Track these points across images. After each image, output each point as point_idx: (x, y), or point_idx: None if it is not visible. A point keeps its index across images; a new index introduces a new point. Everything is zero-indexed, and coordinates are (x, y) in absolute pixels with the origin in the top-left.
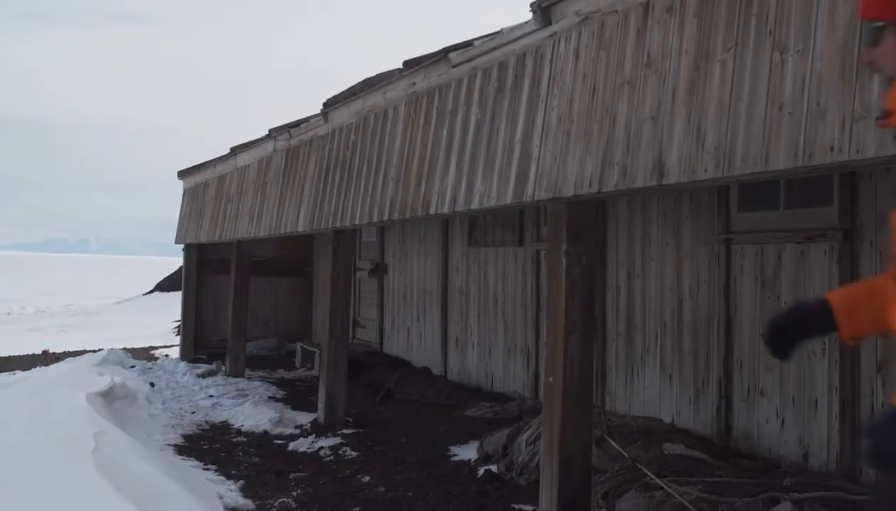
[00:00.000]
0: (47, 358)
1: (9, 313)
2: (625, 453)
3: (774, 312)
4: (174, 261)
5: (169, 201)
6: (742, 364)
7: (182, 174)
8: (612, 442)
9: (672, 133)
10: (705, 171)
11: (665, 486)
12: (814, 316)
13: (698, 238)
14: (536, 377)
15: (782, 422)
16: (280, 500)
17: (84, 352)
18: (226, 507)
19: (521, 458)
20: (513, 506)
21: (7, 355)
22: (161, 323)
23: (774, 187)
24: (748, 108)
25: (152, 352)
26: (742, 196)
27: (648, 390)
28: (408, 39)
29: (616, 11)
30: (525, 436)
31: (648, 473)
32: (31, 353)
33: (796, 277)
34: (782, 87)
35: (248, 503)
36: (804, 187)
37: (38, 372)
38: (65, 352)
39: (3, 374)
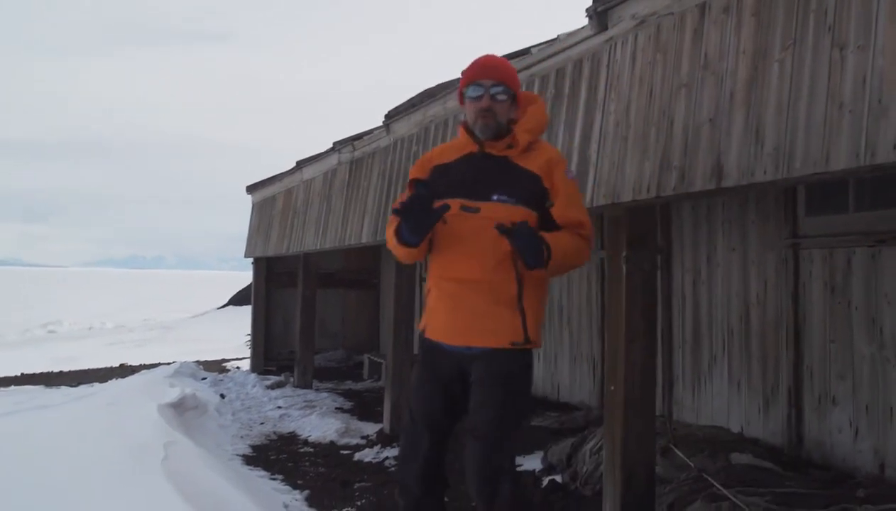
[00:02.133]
0: (124, 370)
1: (90, 328)
2: (691, 463)
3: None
4: (249, 275)
5: (242, 216)
6: (812, 371)
7: (250, 189)
8: (677, 451)
9: (730, 135)
10: (764, 172)
11: (732, 497)
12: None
13: (765, 243)
14: (602, 386)
15: (856, 431)
16: (344, 510)
17: (159, 365)
18: None
19: (585, 468)
20: None
21: (86, 368)
22: (234, 336)
23: (843, 189)
24: (807, 108)
25: (224, 364)
26: (809, 199)
27: (716, 399)
28: (471, 54)
29: (672, 13)
30: (589, 445)
31: (715, 484)
32: (109, 366)
33: (867, 282)
34: (842, 84)
35: None
36: (874, 189)
37: (114, 384)
38: (140, 365)
39: (81, 386)
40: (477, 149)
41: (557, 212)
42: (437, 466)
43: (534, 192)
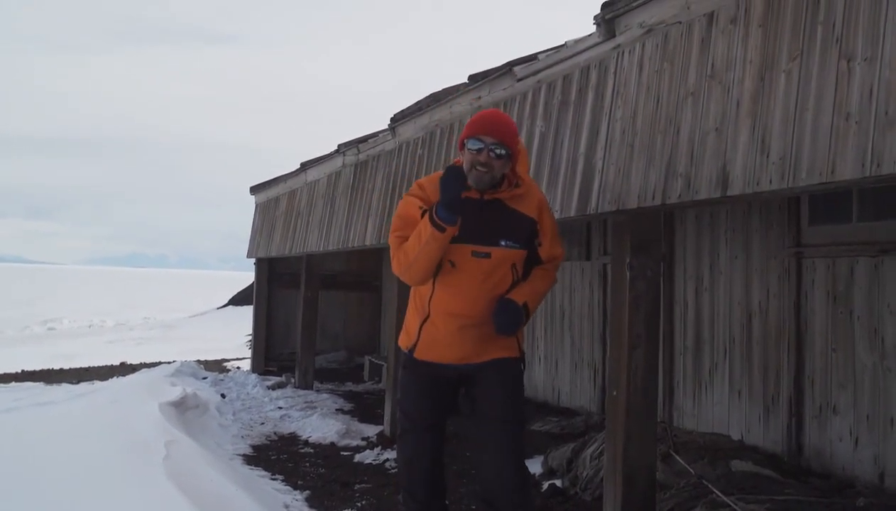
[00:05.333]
0: (124, 369)
1: (90, 326)
2: (691, 469)
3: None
4: (249, 275)
5: (245, 216)
6: (813, 380)
7: (254, 189)
8: (678, 458)
9: (736, 144)
10: (770, 182)
11: (731, 504)
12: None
13: (768, 252)
14: (603, 392)
15: (856, 440)
16: None
17: (159, 363)
18: None
19: (585, 473)
20: None
21: (87, 366)
22: (234, 336)
23: (846, 200)
24: (814, 118)
25: (224, 364)
26: (813, 209)
27: (717, 406)
28: (475, 56)
29: (680, 22)
30: (590, 450)
31: (715, 490)
32: (109, 364)
33: (869, 291)
34: (849, 96)
35: None
36: (877, 199)
37: (115, 382)
38: (141, 363)
39: (82, 383)
40: (477, 195)
41: (545, 252)
42: (440, 469)
43: (531, 234)
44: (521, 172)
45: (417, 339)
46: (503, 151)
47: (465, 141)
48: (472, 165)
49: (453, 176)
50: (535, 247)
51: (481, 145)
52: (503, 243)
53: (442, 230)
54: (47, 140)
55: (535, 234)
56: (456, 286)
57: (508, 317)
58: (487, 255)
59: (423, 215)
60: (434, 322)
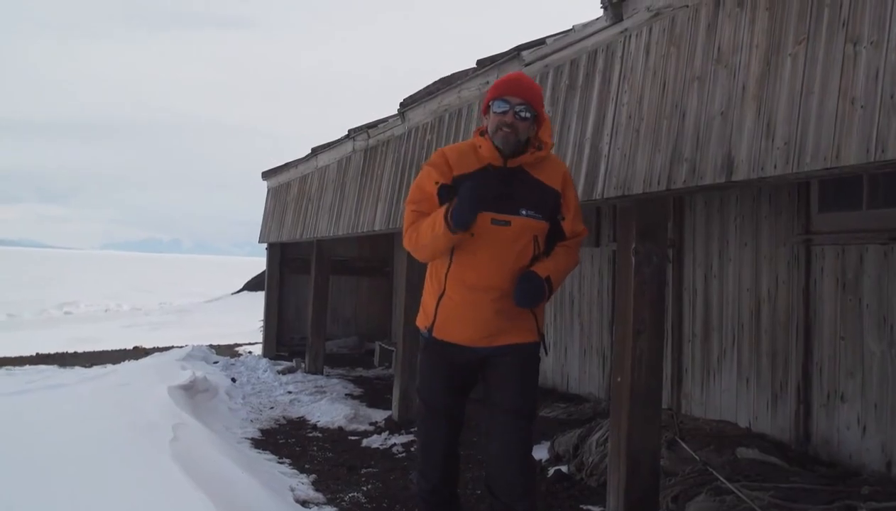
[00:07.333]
0: (137, 353)
1: (106, 310)
2: (696, 456)
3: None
4: (264, 261)
5: (259, 201)
6: (822, 368)
7: (266, 175)
8: (683, 445)
9: (741, 129)
10: (774, 167)
11: (736, 491)
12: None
13: (777, 239)
14: (611, 378)
15: (864, 428)
16: (350, 495)
17: (172, 348)
18: (297, 500)
19: (591, 459)
20: (581, 506)
21: (101, 350)
22: (248, 321)
23: (856, 186)
24: (819, 103)
25: (237, 349)
26: (823, 196)
27: (725, 393)
28: (486, 43)
29: (687, 6)
30: (596, 436)
31: (719, 477)
32: (123, 348)
33: (879, 279)
34: (855, 80)
35: (319, 496)
36: (888, 186)
37: (126, 365)
38: (154, 347)
39: (95, 367)
40: (500, 163)
41: (568, 226)
42: (455, 456)
43: (554, 206)
44: (545, 137)
45: (434, 318)
46: (528, 114)
47: (491, 103)
48: (497, 127)
49: (472, 197)
50: (559, 221)
51: (507, 107)
52: (524, 212)
53: (454, 232)
54: (60, 125)
55: (559, 207)
56: (474, 256)
57: (530, 289)
58: (507, 224)
59: (437, 191)
60: (451, 296)
